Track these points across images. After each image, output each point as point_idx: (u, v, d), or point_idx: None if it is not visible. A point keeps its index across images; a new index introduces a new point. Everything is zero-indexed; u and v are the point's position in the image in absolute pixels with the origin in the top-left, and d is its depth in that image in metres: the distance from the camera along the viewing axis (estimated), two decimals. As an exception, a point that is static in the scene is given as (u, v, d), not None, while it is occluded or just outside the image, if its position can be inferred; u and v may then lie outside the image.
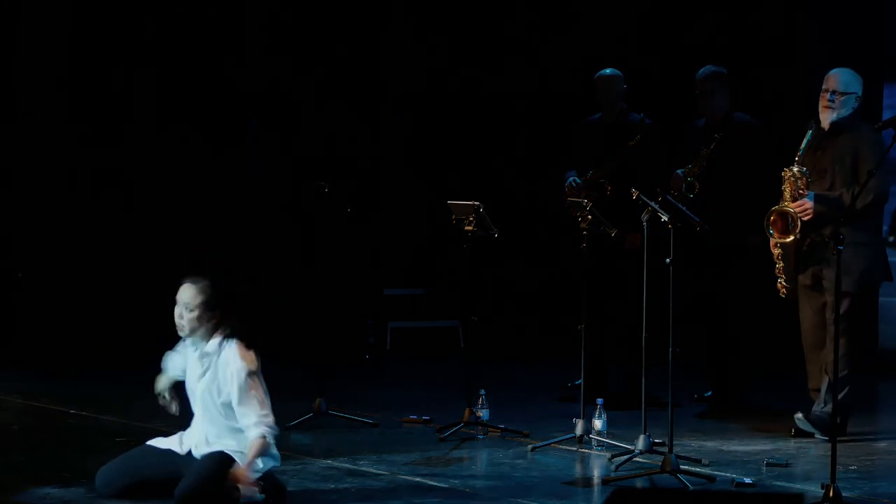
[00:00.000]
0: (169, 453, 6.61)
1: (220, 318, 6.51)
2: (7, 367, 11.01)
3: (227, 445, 6.50)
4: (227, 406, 6.47)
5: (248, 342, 6.51)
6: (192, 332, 6.52)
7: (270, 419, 6.43)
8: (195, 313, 6.48)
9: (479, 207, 8.47)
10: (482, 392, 8.63)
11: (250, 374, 6.41)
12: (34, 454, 7.93)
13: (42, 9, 12.26)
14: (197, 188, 12.51)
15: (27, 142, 12.24)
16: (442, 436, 8.40)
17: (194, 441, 6.59)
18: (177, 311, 6.54)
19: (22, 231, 12.26)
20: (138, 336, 11.95)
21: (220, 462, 6.39)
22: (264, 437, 6.36)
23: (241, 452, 6.46)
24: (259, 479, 6.48)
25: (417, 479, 7.38)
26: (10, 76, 12.26)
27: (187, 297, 6.51)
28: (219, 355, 6.49)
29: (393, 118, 13.31)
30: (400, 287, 12.96)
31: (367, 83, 13.07)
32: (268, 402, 6.47)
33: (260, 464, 6.43)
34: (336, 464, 7.65)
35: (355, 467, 7.58)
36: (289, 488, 6.88)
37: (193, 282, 6.55)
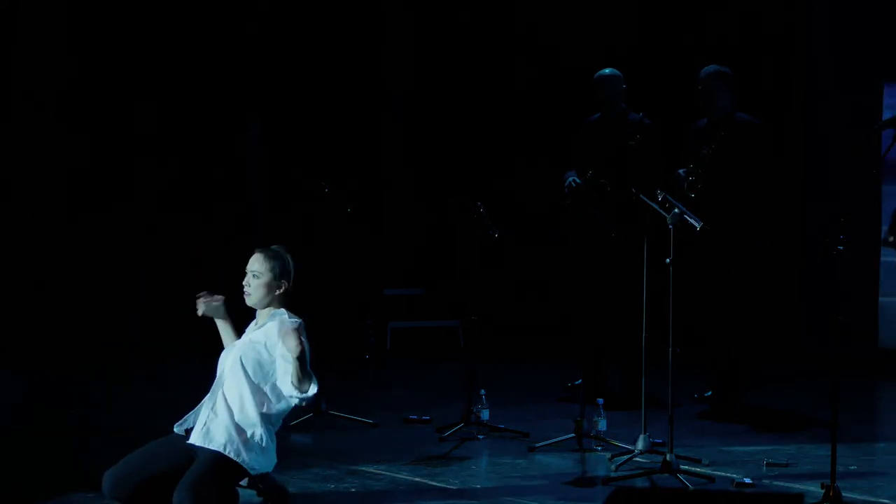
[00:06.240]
0: (175, 441, 6.53)
1: (285, 292, 6.52)
2: (7, 367, 11.01)
3: (224, 421, 6.40)
4: (261, 363, 6.39)
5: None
6: (258, 299, 6.51)
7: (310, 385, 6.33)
8: (261, 280, 6.49)
9: (479, 207, 8.47)
10: (482, 392, 8.63)
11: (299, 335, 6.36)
12: (35, 456, 7.93)
13: (38, 13, 12.25)
14: (197, 188, 12.51)
15: (26, 144, 12.24)
16: (442, 436, 8.40)
17: (204, 414, 6.51)
18: (245, 280, 6.54)
19: (22, 232, 12.25)
20: (139, 336, 11.97)
21: (216, 463, 6.35)
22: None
23: (239, 434, 6.38)
24: (258, 481, 6.45)
25: (417, 479, 7.38)
26: (10, 79, 12.25)
27: (256, 264, 6.53)
28: (274, 319, 6.48)
29: (393, 118, 13.32)
30: (400, 287, 12.96)
31: (367, 83, 13.07)
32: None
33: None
34: (336, 464, 7.65)
35: (355, 467, 7.59)
36: (289, 489, 6.88)
37: (264, 251, 6.56)
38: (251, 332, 6.57)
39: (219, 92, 12.55)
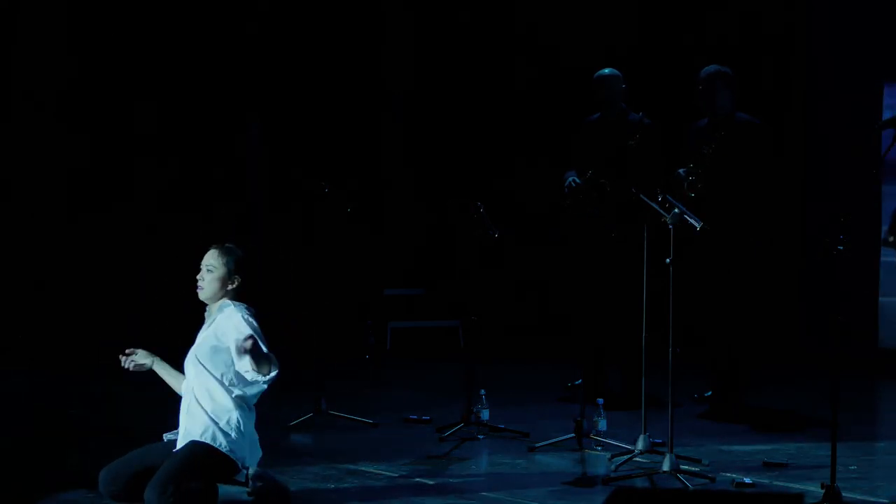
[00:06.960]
0: (168, 445, 6.59)
1: (238, 287, 6.55)
2: (7, 367, 11.00)
3: (200, 417, 6.44)
4: (217, 352, 6.45)
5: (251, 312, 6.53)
6: (211, 293, 6.54)
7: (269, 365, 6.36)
8: (215, 274, 6.53)
9: (479, 207, 8.46)
10: (482, 392, 8.63)
11: (253, 331, 6.38)
12: (35, 455, 7.92)
13: (38, 13, 12.24)
14: (197, 188, 12.50)
15: (26, 144, 12.23)
16: (442, 436, 8.40)
17: (182, 419, 6.57)
18: (199, 274, 6.58)
19: (22, 232, 12.24)
20: (139, 336, 11.96)
21: (190, 454, 6.38)
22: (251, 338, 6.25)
23: (215, 422, 6.41)
24: (258, 480, 6.46)
25: (417, 479, 7.38)
26: (10, 79, 12.24)
27: (211, 259, 6.57)
28: (222, 311, 6.52)
29: (393, 118, 13.32)
30: (400, 287, 12.96)
31: (367, 83, 13.07)
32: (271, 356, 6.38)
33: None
34: (336, 464, 7.65)
35: (355, 467, 7.59)
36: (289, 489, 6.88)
37: (219, 247, 6.60)
38: (202, 333, 6.61)
39: (219, 92, 12.53)
